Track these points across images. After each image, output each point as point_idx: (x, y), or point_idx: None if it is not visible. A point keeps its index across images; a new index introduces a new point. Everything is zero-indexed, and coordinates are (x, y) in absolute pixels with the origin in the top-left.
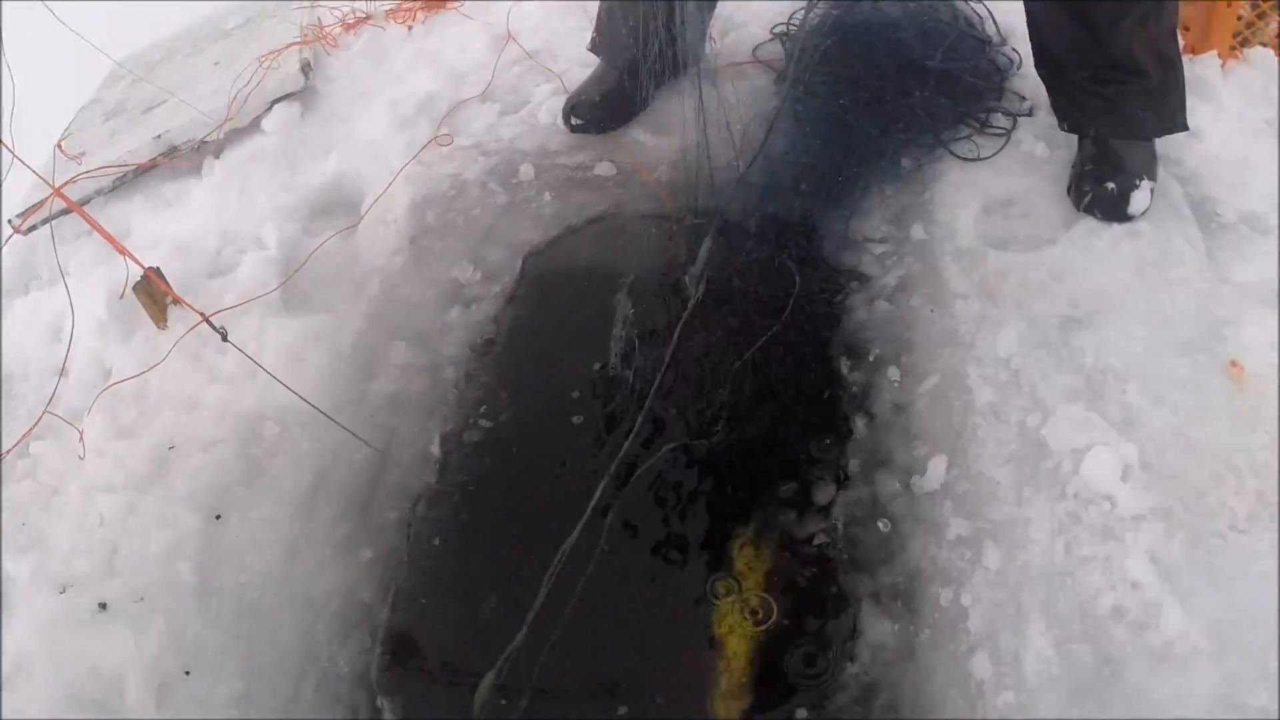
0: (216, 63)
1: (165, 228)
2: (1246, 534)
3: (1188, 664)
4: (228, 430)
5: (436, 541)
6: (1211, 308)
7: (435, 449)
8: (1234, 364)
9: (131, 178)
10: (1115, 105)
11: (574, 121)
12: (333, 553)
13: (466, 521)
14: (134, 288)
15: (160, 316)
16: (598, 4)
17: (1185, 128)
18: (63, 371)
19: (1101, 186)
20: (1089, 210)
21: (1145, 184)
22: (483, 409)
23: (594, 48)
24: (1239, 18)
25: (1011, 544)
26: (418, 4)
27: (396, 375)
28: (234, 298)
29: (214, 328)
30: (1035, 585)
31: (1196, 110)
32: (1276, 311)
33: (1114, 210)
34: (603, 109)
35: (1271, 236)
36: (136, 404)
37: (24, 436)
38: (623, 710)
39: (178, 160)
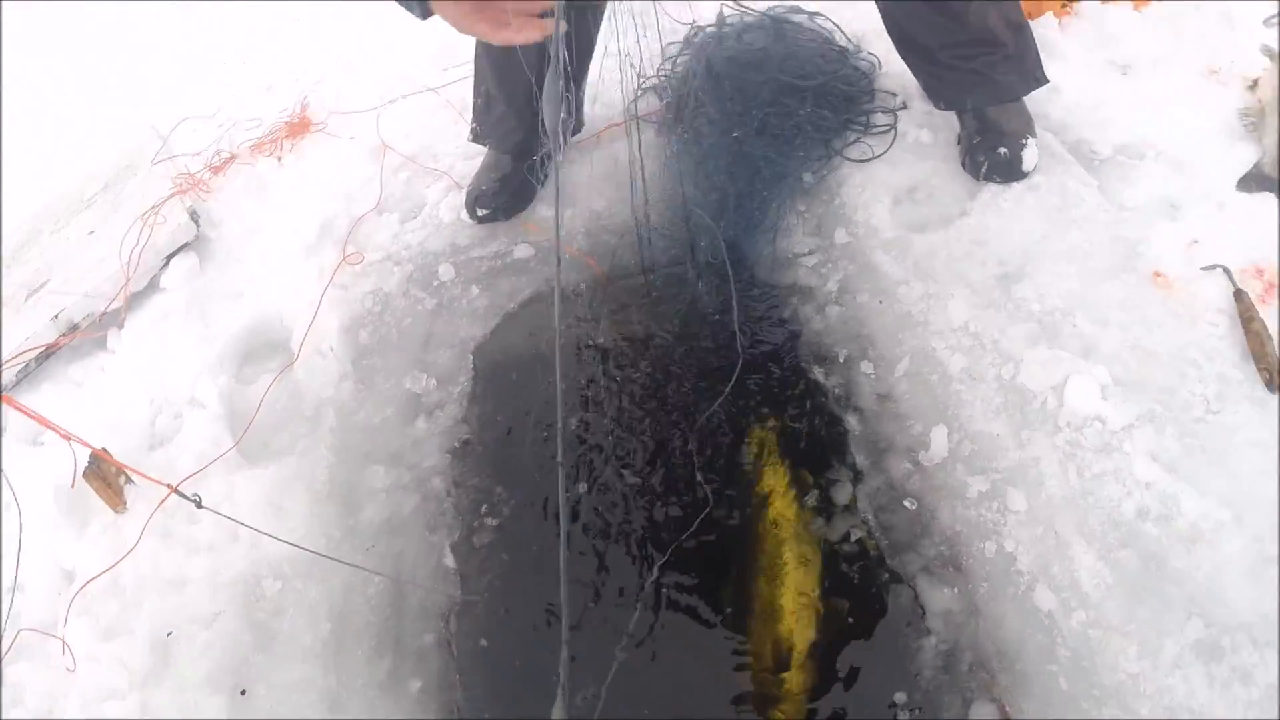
0: (91, 232)
1: (86, 410)
2: (1221, 413)
3: (1217, 537)
4: (224, 600)
5: (484, 644)
6: (1120, 233)
7: (449, 561)
8: (1157, 274)
9: (34, 367)
10: (984, 76)
11: (479, 213)
12: (379, 694)
13: (506, 620)
14: (84, 474)
15: (116, 500)
16: (471, 98)
17: (1047, 80)
18: (15, 586)
19: (994, 153)
20: (988, 178)
21: (1030, 141)
22: (484, 509)
23: (476, 138)
24: None
25: (1029, 484)
26: (281, 134)
27: (383, 500)
28: (188, 464)
29: (185, 496)
30: (1064, 512)
31: (1047, 67)
32: (1175, 222)
33: (1010, 171)
34: (505, 195)
35: (1148, 160)
36: (116, 598)
37: None
38: None
39: (83, 335)
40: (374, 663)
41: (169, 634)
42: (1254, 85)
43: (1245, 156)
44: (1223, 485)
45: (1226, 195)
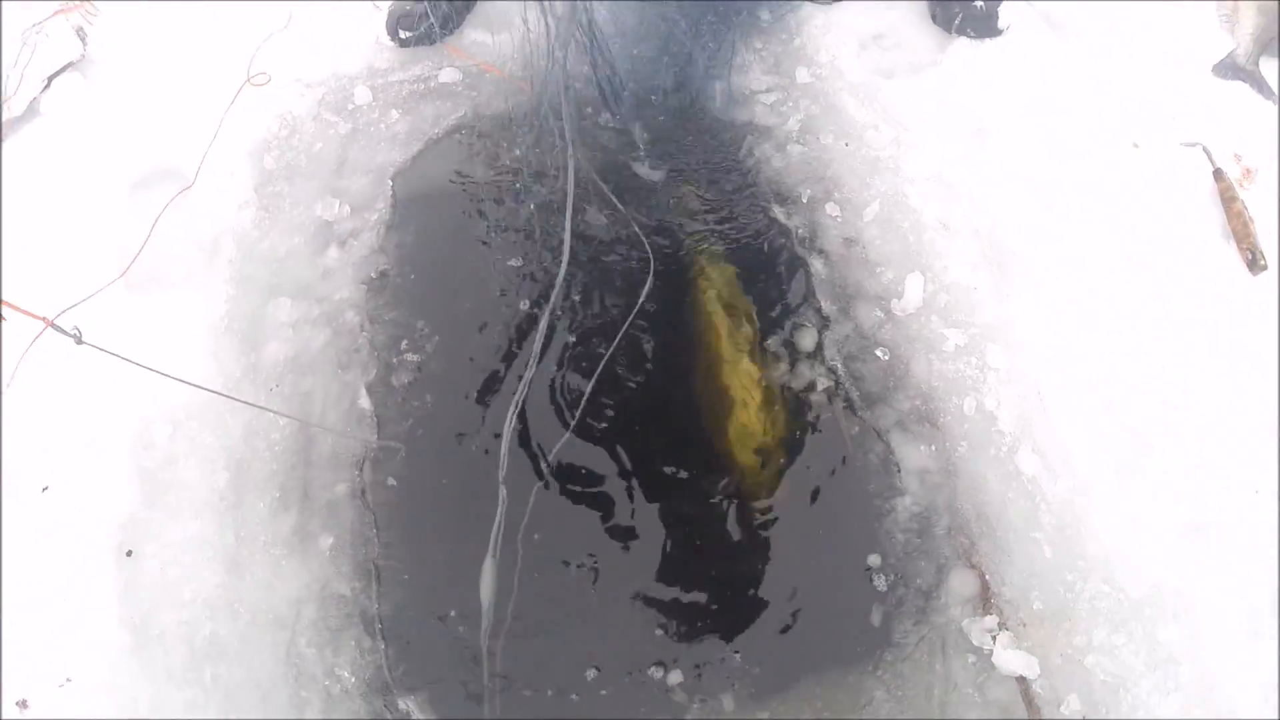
0: None
1: None
2: (1203, 288)
3: (1204, 416)
4: (107, 448)
5: (399, 496)
6: (1096, 101)
7: (364, 402)
8: (1136, 145)
9: None
10: None
11: (403, 36)
12: (285, 552)
13: (429, 468)
14: None
15: None
16: None
17: None
18: None
19: (970, 5)
20: (961, 31)
21: None
22: (403, 344)
23: None
24: None
25: (1009, 341)
26: None
27: (289, 335)
28: (66, 299)
29: (63, 331)
30: (1047, 373)
31: None
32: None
33: (985, 26)
34: (432, 16)
35: (1123, 36)
36: None
37: None
38: None
39: None
40: (278, 516)
41: (45, 489)
42: None
43: (1220, 45)
44: (1209, 363)
45: (1203, 79)
